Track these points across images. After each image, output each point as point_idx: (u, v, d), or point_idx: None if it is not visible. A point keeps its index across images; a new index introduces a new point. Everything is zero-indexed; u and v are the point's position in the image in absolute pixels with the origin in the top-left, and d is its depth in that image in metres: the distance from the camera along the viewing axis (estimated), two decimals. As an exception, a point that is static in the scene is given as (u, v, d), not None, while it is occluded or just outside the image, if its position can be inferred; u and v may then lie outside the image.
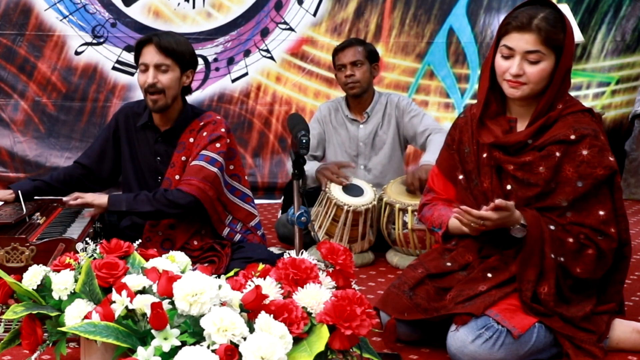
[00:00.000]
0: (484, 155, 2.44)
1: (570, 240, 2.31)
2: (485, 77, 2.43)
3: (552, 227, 2.31)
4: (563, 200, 2.32)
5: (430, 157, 3.51)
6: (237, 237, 3.03)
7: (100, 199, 2.90)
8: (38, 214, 2.89)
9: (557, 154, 2.31)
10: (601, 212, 2.31)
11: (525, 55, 2.30)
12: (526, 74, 2.31)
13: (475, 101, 2.63)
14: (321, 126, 3.85)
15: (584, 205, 2.32)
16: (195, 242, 2.99)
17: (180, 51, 2.90)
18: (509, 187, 2.40)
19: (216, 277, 1.85)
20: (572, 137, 2.30)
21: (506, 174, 2.40)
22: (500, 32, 2.36)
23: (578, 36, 4.84)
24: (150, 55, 2.88)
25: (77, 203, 2.91)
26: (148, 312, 1.71)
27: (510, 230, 2.31)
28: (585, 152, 2.29)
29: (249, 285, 1.83)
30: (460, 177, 2.53)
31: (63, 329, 1.78)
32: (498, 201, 2.25)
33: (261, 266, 1.95)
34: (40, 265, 2.04)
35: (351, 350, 1.79)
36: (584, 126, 2.31)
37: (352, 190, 3.48)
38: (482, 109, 2.43)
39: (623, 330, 2.41)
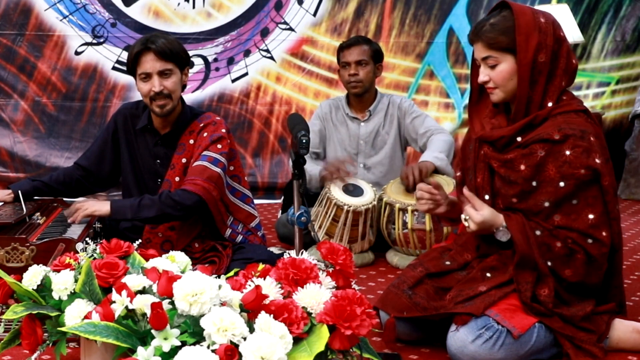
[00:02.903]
0: (482, 152, 2.44)
1: (558, 244, 2.28)
2: (474, 80, 2.49)
3: (538, 233, 2.29)
4: (545, 200, 2.29)
5: (429, 155, 3.52)
6: (239, 238, 3.02)
7: (103, 207, 2.85)
8: (38, 214, 2.89)
9: (540, 152, 2.30)
10: (591, 216, 2.28)
11: (485, 62, 2.37)
12: (492, 79, 2.37)
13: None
14: (322, 122, 3.85)
15: (572, 208, 2.29)
16: (197, 245, 2.99)
17: (177, 52, 2.90)
18: (498, 184, 2.40)
19: (216, 278, 1.85)
20: (556, 136, 2.28)
21: (494, 171, 2.41)
22: None
23: (578, 36, 4.84)
24: (151, 63, 2.85)
25: (80, 216, 2.84)
26: (148, 312, 1.71)
27: (495, 234, 2.32)
28: (568, 153, 2.27)
29: (249, 285, 1.83)
30: (458, 174, 2.56)
31: (63, 329, 1.78)
32: (466, 192, 2.33)
33: (261, 266, 1.95)
34: (40, 265, 2.04)
35: (351, 350, 1.79)
36: (572, 126, 2.29)
37: (352, 190, 3.48)
38: (476, 109, 2.49)
39: (623, 330, 2.41)
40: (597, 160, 2.27)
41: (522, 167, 2.32)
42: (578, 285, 2.34)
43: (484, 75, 2.38)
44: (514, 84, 2.34)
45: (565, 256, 2.29)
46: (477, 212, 2.30)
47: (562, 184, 2.28)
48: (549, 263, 2.29)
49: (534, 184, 2.31)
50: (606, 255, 2.32)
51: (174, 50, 2.88)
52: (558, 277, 2.31)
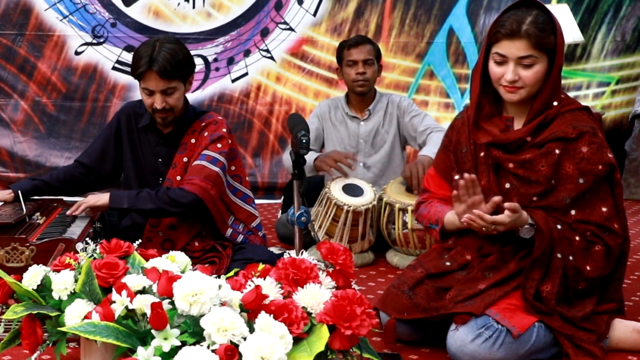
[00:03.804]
0: (482, 154, 2.44)
1: (577, 238, 2.32)
2: (476, 82, 2.44)
3: (559, 227, 2.32)
4: (566, 197, 2.33)
5: (427, 150, 3.52)
6: (240, 238, 3.03)
7: (101, 199, 2.89)
8: (38, 214, 2.89)
9: (557, 151, 2.33)
10: (604, 209, 2.33)
11: (519, 61, 2.32)
12: (522, 79, 2.33)
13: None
14: (320, 122, 3.86)
15: (586, 202, 2.34)
16: (197, 244, 2.99)
17: (181, 67, 2.84)
18: (507, 185, 2.40)
19: (216, 278, 1.85)
20: (572, 134, 2.32)
21: (505, 173, 2.41)
22: (490, 39, 2.37)
23: (578, 36, 4.84)
24: (154, 81, 2.82)
25: (80, 210, 2.89)
26: (148, 312, 1.71)
27: (519, 232, 2.31)
28: (585, 149, 2.32)
29: (249, 285, 1.83)
30: (457, 177, 2.53)
31: (63, 329, 1.78)
32: (508, 205, 2.24)
33: (261, 266, 1.95)
34: (40, 265, 2.04)
35: (351, 350, 1.79)
36: (583, 124, 2.34)
37: (352, 190, 3.48)
38: (475, 112, 2.44)
39: (623, 330, 2.41)
40: (610, 155, 2.34)
41: (542, 166, 2.34)
42: (590, 283, 2.35)
43: (514, 74, 2.32)
44: (539, 85, 2.36)
45: (584, 250, 2.32)
46: (505, 215, 2.25)
47: (581, 180, 2.32)
48: (571, 257, 2.31)
49: (554, 182, 2.34)
50: (620, 246, 2.37)
51: (177, 67, 2.82)
52: (577, 278, 2.32)
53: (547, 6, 2.39)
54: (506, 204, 2.25)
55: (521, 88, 2.34)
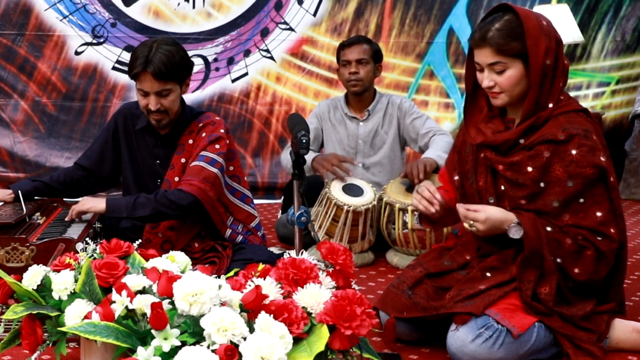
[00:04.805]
0: (482, 155, 2.44)
1: (569, 241, 2.30)
2: (468, 84, 2.50)
3: (549, 229, 2.30)
4: (554, 200, 2.30)
5: (432, 153, 3.52)
6: (239, 238, 3.02)
7: (98, 205, 2.86)
8: (38, 214, 2.89)
9: (546, 153, 2.30)
10: (598, 214, 2.30)
11: (491, 67, 2.34)
12: (497, 84, 2.35)
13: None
14: (319, 122, 3.86)
15: (579, 206, 2.30)
16: (196, 245, 2.99)
17: (176, 69, 2.82)
18: (502, 187, 2.40)
19: (216, 278, 1.85)
20: (561, 137, 2.29)
21: (499, 174, 2.41)
22: (470, 47, 2.43)
23: (578, 36, 4.84)
24: (149, 83, 2.80)
25: (75, 212, 2.88)
26: (148, 312, 1.71)
27: (507, 232, 2.31)
28: (574, 152, 2.28)
29: (249, 285, 1.83)
30: (456, 177, 2.54)
31: (63, 329, 1.78)
32: (458, 205, 2.33)
33: (261, 266, 1.95)
34: (40, 265, 2.04)
35: (351, 350, 1.79)
36: (575, 126, 2.30)
37: (352, 190, 3.48)
38: (470, 113, 2.48)
39: (623, 330, 2.41)
40: (602, 158, 2.29)
41: (529, 169, 2.32)
42: (582, 284, 2.34)
43: (489, 80, 2.35)
44: (520, 89, 2.35)
45: (575, 253, 2.30)
46: (480, 212, 2.30)
47: (570, 183, 2.29)
48: (559, 260, 2.29)
49: (542, 185, 2.32)
50: (615, 251, 2.34)
51: (173, 69, 2.81)
52: (565, 277, 2.31)
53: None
54: (457, 205, 2.33)
55: (500, 93, 2.36)
